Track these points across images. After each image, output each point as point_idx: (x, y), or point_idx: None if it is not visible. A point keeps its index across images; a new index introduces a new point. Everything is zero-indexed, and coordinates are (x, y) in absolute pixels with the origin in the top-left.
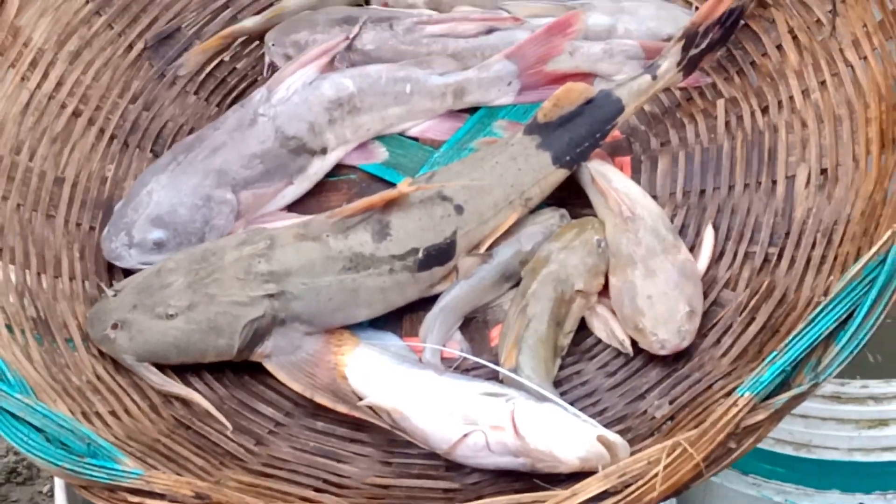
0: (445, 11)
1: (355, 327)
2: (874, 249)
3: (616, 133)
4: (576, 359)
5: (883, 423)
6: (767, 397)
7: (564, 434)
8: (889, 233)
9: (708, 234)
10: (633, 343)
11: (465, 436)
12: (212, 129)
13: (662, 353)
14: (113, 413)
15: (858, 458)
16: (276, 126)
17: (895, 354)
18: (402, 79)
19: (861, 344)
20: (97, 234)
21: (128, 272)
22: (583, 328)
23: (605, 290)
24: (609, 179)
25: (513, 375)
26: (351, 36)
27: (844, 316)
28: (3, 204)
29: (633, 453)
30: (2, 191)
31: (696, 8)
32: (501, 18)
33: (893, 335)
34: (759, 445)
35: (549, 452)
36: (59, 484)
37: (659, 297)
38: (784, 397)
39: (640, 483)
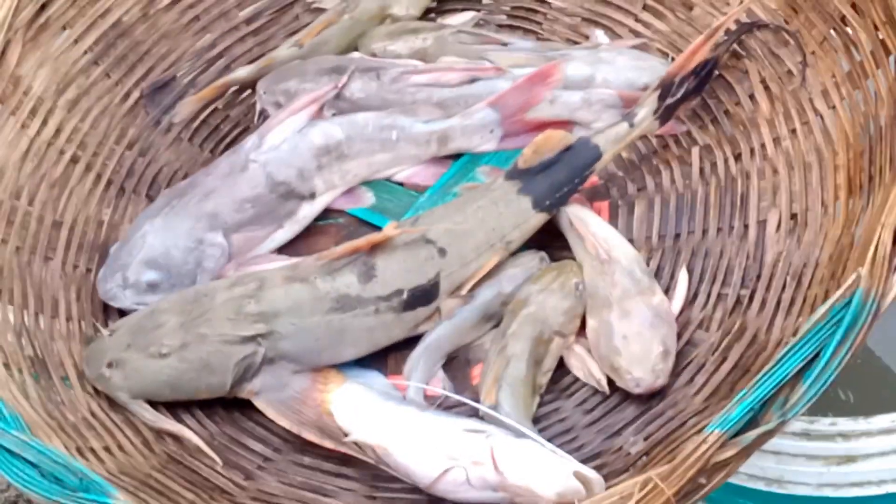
0: (431, 62)
1: (341, 365)
2: (840, 292)
3: (594, 179)
4: (554, 396)
5: (851, 459)
6: (736, 434)
7: (542, 469)
8: (854, 276)
9: (682, 277)
10: (610, 382)
11: (447, 471)
12: (204, 175)
13: (638, 391)
14: (107, 449)
15: (828, 493)
16: (266, 172)
17: (866, 392)
18: (388, 126)
19: (827, 383)
20: (93, 276)
21: (123, 312)
22: (561, 366)
23: (582, 331)
24: (587, 224)
25: (492, 413)
26: (339, 84)
27: (811, 356)
28: (3, 247)
29: (607, 488)
30: (1, 234)
31: (672, 59)
32: (484, 69)
33: (864, 374)
34: (733, 480)
35: (527, 487)
36: None
37: (634, 337)
38: (752, 434)
39: None
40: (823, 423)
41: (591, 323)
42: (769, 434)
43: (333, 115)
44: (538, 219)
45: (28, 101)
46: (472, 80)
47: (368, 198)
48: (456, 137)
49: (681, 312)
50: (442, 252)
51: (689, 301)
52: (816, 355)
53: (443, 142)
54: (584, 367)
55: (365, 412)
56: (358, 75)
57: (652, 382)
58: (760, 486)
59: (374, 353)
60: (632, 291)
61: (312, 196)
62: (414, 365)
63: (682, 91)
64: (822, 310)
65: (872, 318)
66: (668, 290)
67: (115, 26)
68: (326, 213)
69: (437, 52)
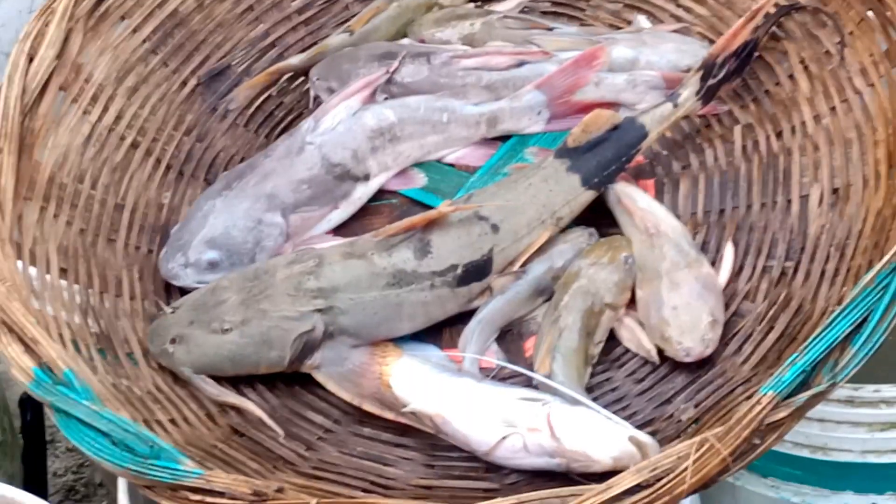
0: (479, 46)
1: (398, 340)
2: (886, 258)
3: (640, 158)
4: (606, 367)
5: (894, 425)
6: (788, 396)
7: (598, 435)
8: None
9: (728, 250)
10: (660, 352)
11: (504, 438)
12: (262, 157)
13: (687, 360)
14: (172, 421)
15: (871, 459)
16: (322, 154)
17: None
18: (439, 109)
19: (875, 347)
20: (155, 256)
21: (184, 291)
22: (612, 339)
23: (632, 304)
24: (634, 199)
25: (548, 381)
26: (391, 70)
27: (859, 320)
28: (68, 229)
29: (663, 451)
30: (66, 216)
31: (713, 42)
32: (531, 52)
33: None
34: (778, 448)
35: (584, 452)
36: (122, 495)
37: (683, 307)
38: (804, 396)
39: (670, 476)
40: (868, 391)
41: (640, 294)
42: (820, 396)
43: (385, 98)
44: (587, 195)
45: (89, 89)
46: (520, 64)
47: (420, 178)
48: (505, 119)
49: (727, 284)
50: (495, 228)
51: (735, 274)
52: (864, 319)
53: (492, 123)
54: (635, 338)
55: (422, 383)
56: (409, 60)
57: (702, 351)
58: (805, 453)
59: (430, 327)
60: (680, 264)
61: (367, 177)
62: (469, 338)
63: (723, 72)
64: (869, 276)
65: None
66: (714, 263)
67: (172, 16)
68: (380, 193)
69: (484, 37)
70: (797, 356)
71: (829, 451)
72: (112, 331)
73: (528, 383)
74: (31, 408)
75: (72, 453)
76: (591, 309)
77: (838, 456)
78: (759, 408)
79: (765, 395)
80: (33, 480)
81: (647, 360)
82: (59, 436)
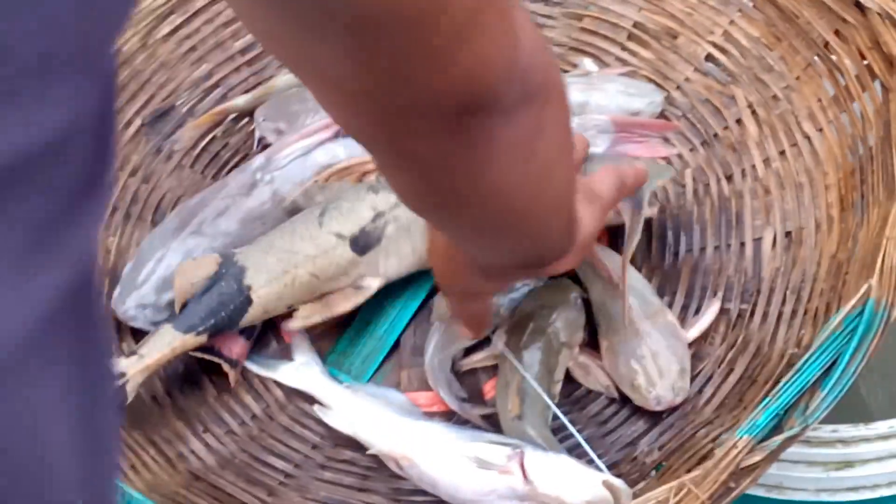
0: None
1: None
2: (852, 302)
3: None
4: (567, 409)
5: (849, 464)
6: (763, 439)
7: (571, 479)
8: (865, 286)
9: (712, 309)
10: (628, 399)
11: (474, 480)
12: (214, 193)
13: (658, 408)
14: (133, 468)
15: (825, 497)
16: (272, 189)
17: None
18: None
19: (844, 389)
20: (105, 298)
21: (138, 332)
22: (570, 381)
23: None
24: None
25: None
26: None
27: (829, 364)
28: None
29: (636, 496)
30: None
31: (660, 85)
32: None
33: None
34: None
35: (557, 497)
36: None
37: (651, 356)
38: (778, 439)
39: None
40: (825, 430)
41: (605, 344)
42: (793, 438)
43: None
44: None
45: None
46: None
47: None
48: None
49: (686, 328)
50: None
51: (693, 316)
52: (833, 363)
53: None
54: (591, 375)
55: (387, 425)
56: None
57: (672, 399)
58: (760, 492)
59: (387, 371)
60: (645, 313)
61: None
62: (437, 376)
63: None
64: (836, 319)
65: (885, 326)
66: (670, 306)
67: (117, 55)
68: None
69: None
70: (770, 399)
71: (784, 490)
72: None
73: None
74: None
75: None
76: (550, 348)
77: (793, 495)
78: (735, 451)
79: (740, 438)
80: None
81: (609, 403)
82: None
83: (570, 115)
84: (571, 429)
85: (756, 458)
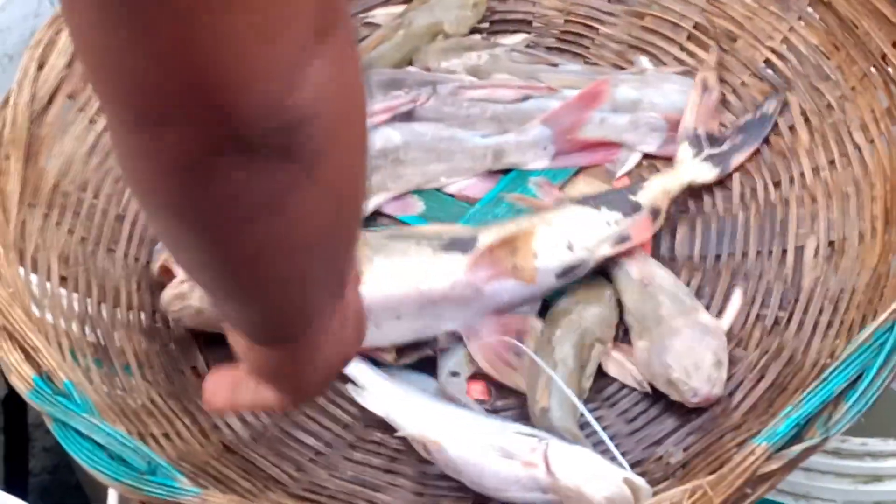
0: (484, 78)
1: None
2: (883, 316)
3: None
4: (597, 405)
5: (878, 478)
6: (781, 448)
7: (594, 474)
8: None
9: (736, 296)
10: (655, 392)
11: (499, 469)
12: None
13: (695, 401)
14: (166, 435)
15: None
16: None
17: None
18: (446, 137)
19: (869, 403)
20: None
21: None
22: (602, 377)
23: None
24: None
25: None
26: (418, 101)
27: (854, 377)
28: (70, 237)
29: (654, 495)
30: (69, 224)
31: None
32: (538, 87)
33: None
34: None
35: (578, 490)
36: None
37: (685, 351)
38: (797, 449)
39: None
40: (854, 443)
41: (640, 344)
42: (812, 449)
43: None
44: None
45: (96, 99)
46: (524, 98)
47: (418, 206)
48: (511, 152)
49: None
50: None
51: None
52: (859, 376)
53: (498, 156)
54: (624, 370)
55: (420, 409)
56: (415, 88)
57: (709, 391)
58: (788, 500)
59: (426, 358)
60: (677, 311)
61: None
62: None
63: (725, 144)
64: (865, 332)
65: None
66: (709, 308)
67: None
68: (377, 218)
69: (490, 69)
70: (792, 409)
71: (812, 500)
72: (109, 341)
73: (523, 418)
74: (13, 407)
75: (48, 453)
76: (583, 342)
77: None
78: (752, 458)
79: (758, 445)
80: (14, 481)
81: (638, 401)
82: (37, 434)
83: (358, 203)
84: (595, 425)
85: (773, 465)
